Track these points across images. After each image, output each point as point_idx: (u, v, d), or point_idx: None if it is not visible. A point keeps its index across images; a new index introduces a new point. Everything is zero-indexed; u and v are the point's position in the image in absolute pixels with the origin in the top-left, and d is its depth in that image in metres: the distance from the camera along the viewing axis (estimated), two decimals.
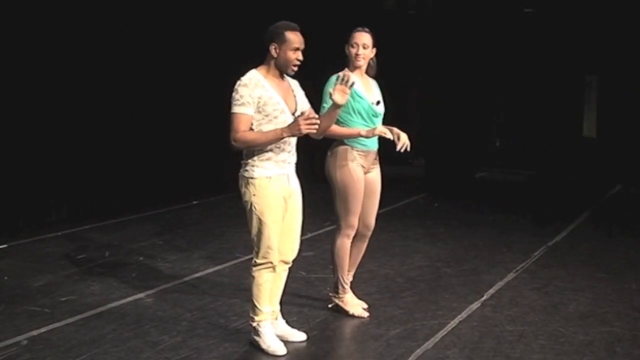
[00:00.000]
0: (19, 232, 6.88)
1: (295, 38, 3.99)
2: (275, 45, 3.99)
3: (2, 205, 6.92)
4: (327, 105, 4.42)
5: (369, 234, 4.84)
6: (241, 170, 4.11)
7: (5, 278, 5.53)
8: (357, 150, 4.59)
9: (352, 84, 4.05)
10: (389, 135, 4.47)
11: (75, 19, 7.35)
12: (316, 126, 3.88)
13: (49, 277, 5.55)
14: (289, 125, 3.91)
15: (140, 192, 8.29)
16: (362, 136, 4.53)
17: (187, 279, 5.59)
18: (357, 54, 4.57)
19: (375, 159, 4.75)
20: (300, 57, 4.01)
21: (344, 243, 4.71)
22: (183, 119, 8.68)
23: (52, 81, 7.19)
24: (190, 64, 8.62)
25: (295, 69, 4.03)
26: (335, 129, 4.46)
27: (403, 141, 4.50)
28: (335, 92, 4.02)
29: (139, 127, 8.16)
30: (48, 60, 7.14)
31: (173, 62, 8.43)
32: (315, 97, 4.53)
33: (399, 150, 4.49)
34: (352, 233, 4.72)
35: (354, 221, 4.67)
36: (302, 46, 4.00)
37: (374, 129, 4.52)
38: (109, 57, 7.71)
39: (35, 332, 4.40)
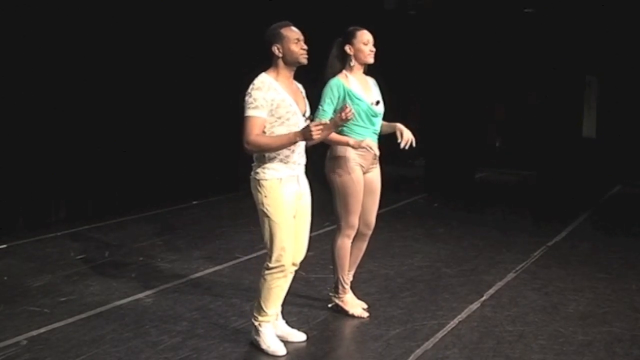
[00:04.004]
0: (19, 232, 6.89)
1: (291, 32, 4.03)
2: (277, 45, 4.01)
3: (2, 205, 6.92)
4: (321, 107, 4.48)
5: (370, 233, 4.84)
6: (252, 172, 4.10)
7: (5, 278, 5.53)
8: (356, 151, 4.59)
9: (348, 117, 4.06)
10: (374, 150, 4.52)
11: (78, 18, 7.35)
12: (325, 132, 3.93)
13: (49, 277, 5.56)
14: (301, 130, 3.89)
15: (140, 192, 8.29)
16: (350, 146, 4.51)
17: (187, 279, 5.59)
18: (371, 51, 4.58)
19: (375, 158, 4.73)
20: (305, 47, 4.03)
21: (345, 243, 4.72)
22: (183, 120, 8.68)
23: (52, 81, 7.19)
24: (190, 65, 8.62)
25: (306, 57, 4.04)
26: (332, 137, 4.43)
27: (406, 138, 4.53)
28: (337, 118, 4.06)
29: (139, 127, 8.16)
30: (49, 60, 7.14)
31: (173, 63, 8.43)
32: (317, 97, 4.53)
33: (403, 148, 4.53)
34: (353, 233, 4.72)
35: (355, 221, 4.67)
36: (301, 37, 4.04)
37: (362, 141, 4.51)
38: (110, 58, 7.71)
39: (35, 332, 4.40)
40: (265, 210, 4.04)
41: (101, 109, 7.73)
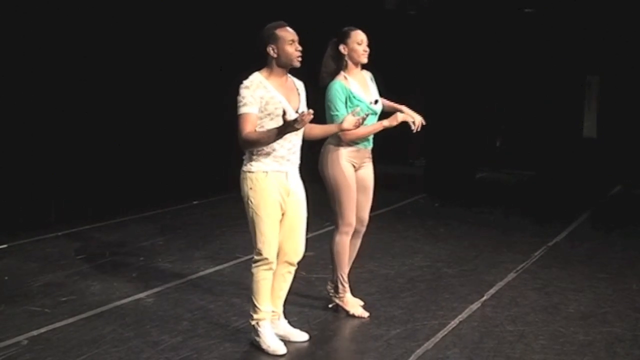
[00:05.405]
0: (19, 232, 6.88)
1: (287, 33, 4.07)
2: (272, 46, 4.05)
3: (2, 205, 6.91)
4: (336, 112, 4.53)
5: (364, 229, 4.88)
6: (242, 165, 4.16)
7: (6, 278, 5.53)
8: (347, 149, 4.64)
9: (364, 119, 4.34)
10: (416, 117, 4.67)
11: (76, 18, 7.34)
12: (310, 117, 3.85)
13: (49, 277, 5.56)
14: (287, 122, 3.84)
15: (140, 192, 8.28)
16: (385, 127, 4.61)
17: (187, 279, 5.60)
18: (365, 51, 4.64)
19: (368, 157, 4.80)
20: (299, 48, 4.07)
21: (343, 240, 4.74)
22: (183, 119, 8.67)
23: (52, 81, 7.19)
24: (190, 64, 8.61)
25: (300, 60, 4.08)
26: (359, 131, 4.50)
27: (418, 123, 4.67)
28: (349, 120, 4.30)
29: (139, 127, 8.15)
30: (49, 61, 7.13)
31: (173, 63, 8.43)
32: (317, 96, 4.54)
33: (414, 131, 4.69)
34: (351, 230, 4.75)
35: (351, 218, 4.71)
36: (296, 38, 4.08)
37: (396, 116, 4.63)
38: (109, 58, 7.71)
39: (35, 332, 4.40)
40: (249, 202, 4.08)
41: (101, 109, 7.72)
